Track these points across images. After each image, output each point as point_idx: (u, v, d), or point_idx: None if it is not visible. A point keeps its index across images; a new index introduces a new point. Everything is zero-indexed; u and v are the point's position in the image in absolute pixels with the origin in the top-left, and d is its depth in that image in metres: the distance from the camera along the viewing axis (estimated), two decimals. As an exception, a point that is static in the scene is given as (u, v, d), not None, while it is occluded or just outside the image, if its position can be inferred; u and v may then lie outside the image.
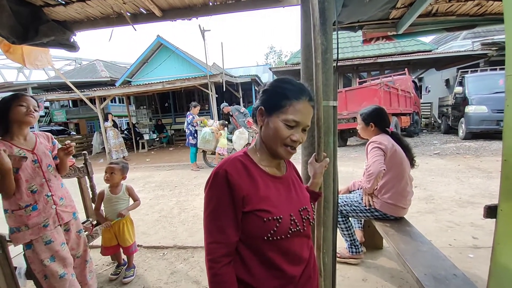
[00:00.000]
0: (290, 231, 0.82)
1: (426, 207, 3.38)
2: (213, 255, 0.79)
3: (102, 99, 10.61)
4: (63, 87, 11.90)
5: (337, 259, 2.11)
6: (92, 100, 9.63)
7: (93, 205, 2.47)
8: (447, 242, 2.51)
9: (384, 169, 1.97)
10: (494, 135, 7.64)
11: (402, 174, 2.07)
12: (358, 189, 2.38)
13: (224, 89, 9.56)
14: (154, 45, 13.03)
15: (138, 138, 11.59)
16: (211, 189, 0.81)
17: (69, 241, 1.78)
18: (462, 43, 12.69)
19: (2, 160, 1.39)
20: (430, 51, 11.74)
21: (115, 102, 15.83)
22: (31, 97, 1.65)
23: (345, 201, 2.27)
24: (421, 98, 11.52)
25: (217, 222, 0.79)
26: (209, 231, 0.81)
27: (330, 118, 1.29)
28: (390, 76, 9.57)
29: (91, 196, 2.57)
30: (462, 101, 8.06)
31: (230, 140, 6.61)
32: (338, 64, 1.48)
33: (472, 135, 7.85)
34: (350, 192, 2.46)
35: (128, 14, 2.15)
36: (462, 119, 7.98)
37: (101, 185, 2.34)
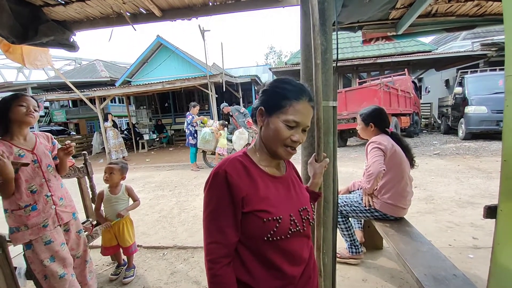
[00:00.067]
0: (290, 231, 0.82)
1: (426, 207, 3.38)
2: (212, 256, 0.78)
3: (102, 99, 10.61)
4: (63, 87, 11.90)
5: (337, 259, 2.11)
6: (92, 100, 9.63)
7: (93, 205, 2.47)
8: (447, 243, 2.51)
9: (384, 170, 1.97)
10: (493, 135, 7.65)
11: (401, 174, 2.07)
12: (358, 189, 2.38)
13: (224, 89, 9.56)
14: (154, 45, 13.03)
15: (138, 138, 11.59)
16: (210, 190, 0.81)
17: (69, 241, 1.78)
18: (461, 43, 12.70)
19: (6, 169, 1.40)
20: (430, 51, 11.75)
21: (115, 102, 15.83)
22: (31, 97, 1.65)
23: (345, 201, 2.27)
24: (421, 98, 11.53)
25: (216, 223, 0.79)
26: (209, 232, 0.80)
27: (330, 118, 1.29)
28: (390, 77, 9.56)
29: (91, 196, 2.56)
30: (462, 102, 8.07)
31: (230, 140, 6.61)
32: (338, 64, 1.48)
33: (472, 136, 7.86)
34: (350, 192, 2.46)
35: (128, 14, 2.15)
36: (462, 120, 7.99)
37: (101, 185, 2.34)
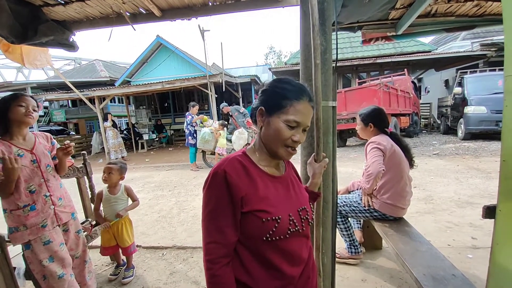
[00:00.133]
0: (289, 231, 0.82)
1: (425, 207, 3.39)
2: (211, 256, 0.78)
3: (102, 99, 10.60)
4: (63, 87, 11.88)
5: (336, 259, 2.11)
6: (92, 100, 9.62)
7: (92, 206, 2.47)
8: (446, 242, 2.51)
9: (383, 170, 1.97)
10: (493, 135, 7.66)
11: (401, 174, 2.07)
12: (357, 189, 2.38)
13: (223, 89, 9.56)
14: (153, 45, 13.02)
15: (137, 138, 11.59)
16: (209, 189, 0.81)
17: (68, 242, 1.78)
18: (461, 43, 12.71)
19: (15, 175, 1.43)
20: (429, 51, 11.76)
21: (114, 102, 15.83)
22: (31, 97, 1.65)
23: (344, 202, 2.27)
24: (420, 98, 11.54)
25: (215, 222, 0.79)
26: (208, 231, 0.80)
27: (329, 118, 1.29)
28: (390, 77, 9.57)
29: (90, 196, 2.56)
30: (461, 102, 8.08)
31: (229, 140, 6.61)
32: (338, 64, 1.49)
33: (471, 136, 7.87)
34: (349, 192, 2.47)
35: (128, 14, 2.14)
36: (461, 120, 8.00)
37: (100, 185, 2.34)
